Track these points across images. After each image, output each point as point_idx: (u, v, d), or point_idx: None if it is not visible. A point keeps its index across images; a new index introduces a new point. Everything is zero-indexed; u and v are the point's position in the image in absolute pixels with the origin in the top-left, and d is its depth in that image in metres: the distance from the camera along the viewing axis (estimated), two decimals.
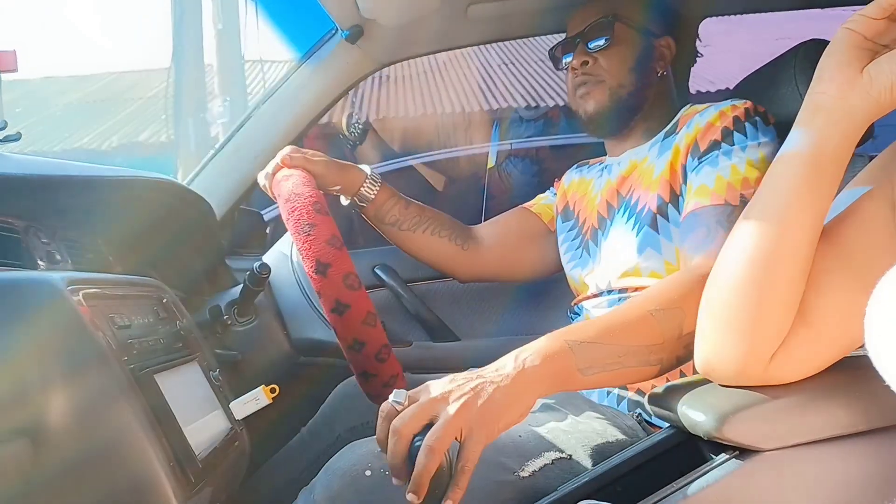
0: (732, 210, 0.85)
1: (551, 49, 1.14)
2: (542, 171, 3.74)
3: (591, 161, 1.23)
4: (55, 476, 0.62)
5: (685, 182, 0.95)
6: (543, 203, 1.24)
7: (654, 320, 0.73)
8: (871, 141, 0.98)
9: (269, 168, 1.00)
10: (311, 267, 0.84)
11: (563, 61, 1.12)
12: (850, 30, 0.57)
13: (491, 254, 1.19)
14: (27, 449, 0.60)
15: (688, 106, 1.06)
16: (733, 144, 0.91)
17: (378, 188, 1.10)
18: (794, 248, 0.59)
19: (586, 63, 1.07)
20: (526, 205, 1.26)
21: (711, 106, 0.98)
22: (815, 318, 0.61)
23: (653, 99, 1.07)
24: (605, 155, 1.16)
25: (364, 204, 1.11)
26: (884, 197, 0.60)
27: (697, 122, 0.96)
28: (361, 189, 1.09)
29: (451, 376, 0.67)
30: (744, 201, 0.85)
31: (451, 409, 0.62)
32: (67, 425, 0.62)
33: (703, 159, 0.92)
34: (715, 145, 0.92)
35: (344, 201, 1.12)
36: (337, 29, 1.40)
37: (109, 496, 0.64)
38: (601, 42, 1.06)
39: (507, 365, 0.67)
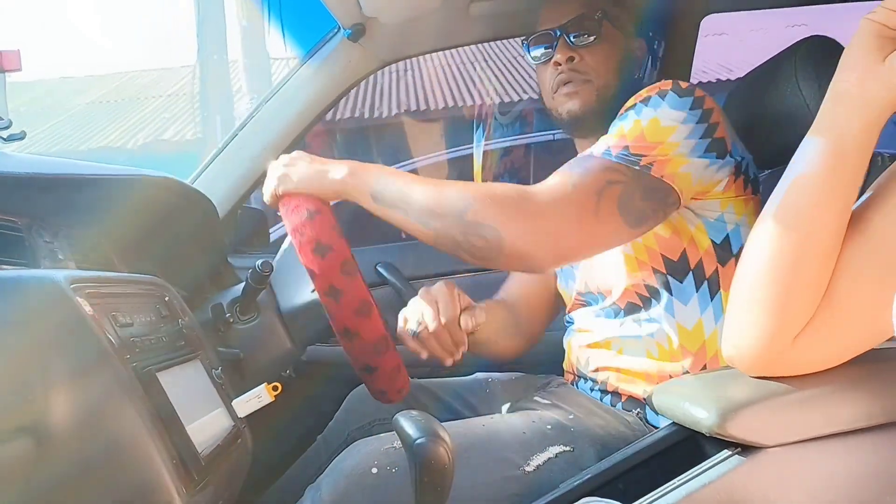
0: (591, 158, 0.85)
1: (524, 40, 1.09)
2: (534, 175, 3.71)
3: None
4: (58, 475, 0.62)
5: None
6: None
7: (447, 192, 0.82)
8: None
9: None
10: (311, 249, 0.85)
11: (538, 54, 1.06)
12: (871, 20, 0.58)
13: (529, 320, 1.15)
14: (30, 448, 0.60)
15: None
16: (632, 110, 0.90)
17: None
18: (820, 236, 0.60)
19: (572, 59, 1.02)
20: None
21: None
22: (839, 302, 0.61)
23: (628, 101, 1.03)
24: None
25: None
26: None
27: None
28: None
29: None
30: (606, 153, 0.85)
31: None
32: (70, 424, 0.62)
33: (617, 120, 0.92)
34: (620, 116, 0.92)
35: None
36: (339, 27, 1.40)
37: (112, 494, 0.64)
38: (587, 39, 1.02)
39: (326, 168, 0.87)
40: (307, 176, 0.87)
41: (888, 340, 0.62)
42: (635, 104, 0.90)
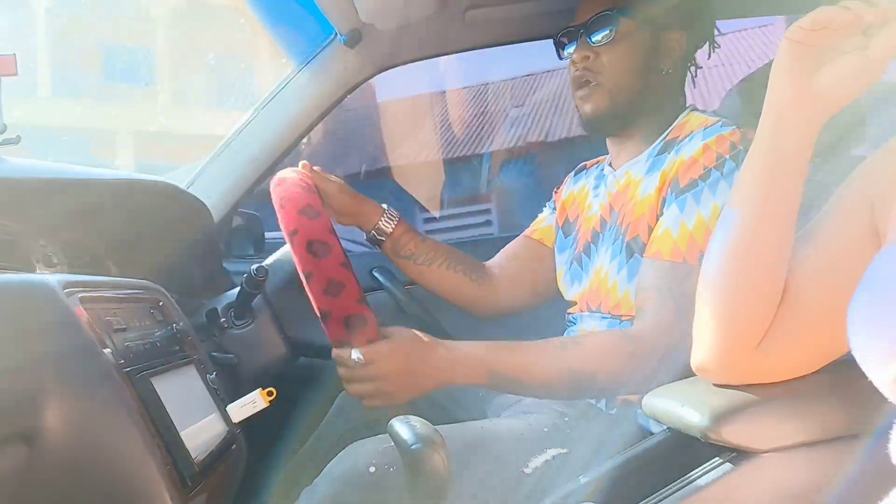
0: (689, 270, 0.84)
1: (555, 36, 1.10)
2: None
3: (589, 164, 1.20)
4: (50, 480, 0.61)
5: (660, 214, 0.93)
6: (544, 226, 1.21)
7: (566, 376, 0.86)
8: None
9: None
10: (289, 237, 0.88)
11: (565, 51, 1.07)
12: (793, 40, 0.61)
13: (505, 288, 1.19)
14: (22, 453, 0.60)
15: (688, 111, 1.03)
16: (706, 182, 0.89)
17: (395, 222, 1.14)
18: (763, 243, 0.63)
19: (587, 58, 1.01)
20: (527, 232, 1.24)
21: (701, 130, 0.93)
22: (801, 311, 0.63)
23: (655, 99, 1.02)
24: (606, 154, 1.13)
25: (382, 238, 1.14)
26: (864, 197, 0.62)
27: (685, 151, 0.93)
28: (380, 223, 1.13)
29: (403, 351, 0.87)
30: (702, 258, 0.83)
31: (376, 390, 0.87)
32: (63, 429, 0.61)
33: (678, 196, 0.90)
34: (692, 184, 0.89)
35: (365, 236, 1.16)
36: (335, 33, 1.40)
37: (106, 500, 0.64)
38: (603, 37, 1.00)
39: (439, 370, 0.88)
40: (413, 395, 0.90)
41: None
42: (708, 169, 0.89)
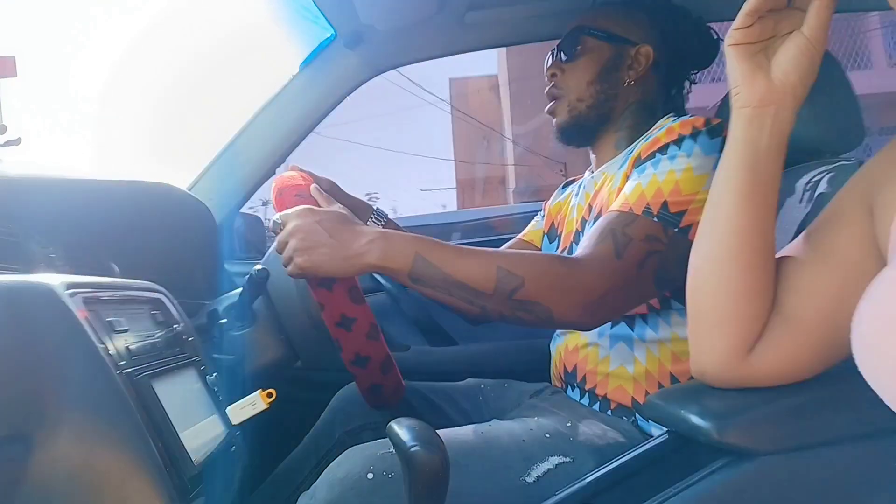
0: (634, 219, 0.85)
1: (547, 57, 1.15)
2: None
3: (577, 178, 1.22)
4: (49, 481, 0.61)
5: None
6: (535, 230, 1.25)
7: (494, 274, 0.80)
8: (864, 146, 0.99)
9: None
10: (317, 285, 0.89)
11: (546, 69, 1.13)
12: (733, 45, 0.62)
13: None
14: (22, 454, 0.60)
15: (668, 115, 1.03)
16: (664, 154, 0.89)
17: (383, 224, 1.14)
18: (746, 239, 0.63)
19: (555, 75, 1.08)
20: (520, 235, 1.27)
21: (671, 120, 0.95)
22: (795, 316, 0.63)
23: (622, 109, 1.06)
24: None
25: None
26: (862, 203, 0.61)
27: (653, 134, 0.95)
28: (368, 223, 1.12)
29: (314, 215, 0.85)
30: (647, 211, 0.85)
31: (292, 249, 0.84)
32: (63, 430, 0.61)
33: (638, 167, 0.92)
34: (651, 156, 0.91)
35: None
36: (335, 35, 1.40)
37: (105, 501, 0.64)
38: (569, 55, 1.07)
39: (354, 243, 0.82)
40: (335, 262, 0.83)
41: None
42: (667, 144, 0.90)
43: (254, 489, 1.12)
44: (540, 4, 1.34)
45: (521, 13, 1.36)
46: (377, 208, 1.16)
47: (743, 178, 0.63)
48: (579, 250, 0.86)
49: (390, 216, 1.20)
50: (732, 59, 0.62)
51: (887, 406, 0.50)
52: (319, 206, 0.94)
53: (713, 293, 0.65)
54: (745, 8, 0.60)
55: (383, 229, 0.86)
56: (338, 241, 0.83)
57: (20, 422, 0.60)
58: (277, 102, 1.48)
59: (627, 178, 0.94)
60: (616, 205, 0.89)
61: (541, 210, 1.27)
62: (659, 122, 1.03)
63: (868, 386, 0.51)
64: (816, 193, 0.97)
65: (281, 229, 0.87)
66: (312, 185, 1.01)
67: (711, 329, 0.65)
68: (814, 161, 1.04)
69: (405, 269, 0.81)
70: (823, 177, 0.98)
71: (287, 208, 0.90)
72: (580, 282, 0.81)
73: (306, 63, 1.46)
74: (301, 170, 1.07)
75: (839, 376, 0.64)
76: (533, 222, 1.27)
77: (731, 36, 0.62)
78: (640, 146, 0.95)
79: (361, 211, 1.14)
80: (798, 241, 0.66)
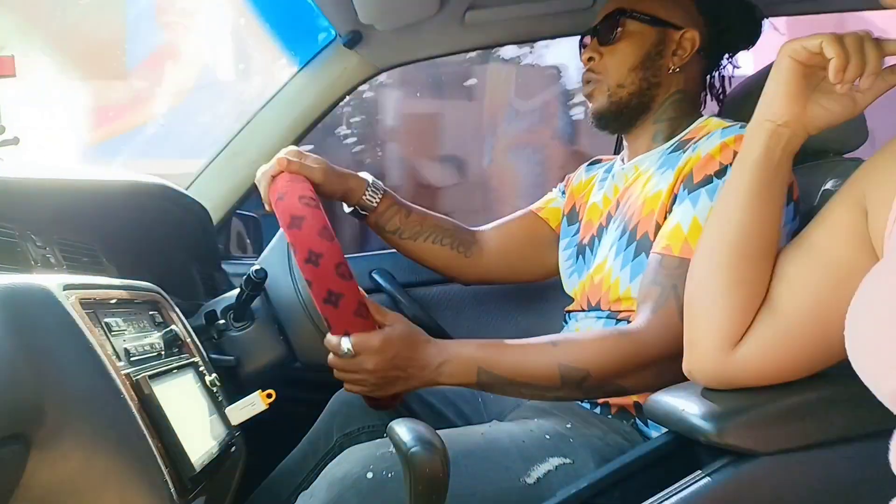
0: (683, 263, 0.82)
1: (580, 39, 1.11)
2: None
3: (605, 158, 1.19)
4: (48, 483, 0.61)
5: (670, 211, 0.91)
6: (552, 206, 1.20)
7: (557, 372, 0.83)
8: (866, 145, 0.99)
9: (269, 168, 0.95)
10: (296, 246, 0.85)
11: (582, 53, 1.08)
12: (792, 59, 0.61)
13: (495, 259, 1.18)
14: (20, 455, 0.59)
15: (705, 117, 1.02)
16: (722, 178, 0.86)
17: (380, 196, 1.09)
18: (747, 238, 0.66)
19: (592, 59, 1.03)
20: (534, 208, 1.22)
21: (720, 130, 0.91)
22: (783, 313, 0.64)
23: (664, 98, 1.02)
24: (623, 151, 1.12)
25: (366, 213, 1.10)
26: (856, 203, 0.62)
27: (702, 148, 0.91)
28: (363, 198, 1.08)
29: (389, 350, 0.84)
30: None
31: (371, 385, 0.87)
32: (62, 431, 0.61)
33: (691, 192, 0.88)
34: (706, 180, 0.87)
35: (346, 209, 1.11)
36: (335, 35, 1.40)
37: (105, 502, 0.64)
38: (608, 38, 1.02)
39: (425, 371, 0.86)
40: (406, 388, 0.88)
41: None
42: (726, 167, 0.86)
43: (253, 489, 1.11)
44: (540, 4, 1.34)
45: (521, 13, 1.36)
46: (373, 181, 1.09)
47: (751, 180, 0.66)
48: (639, 317, 0.85)
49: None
50: (785, 69, 0.62)
51: (886, 406, 0.50)
52: (376, 319, 0.88)
53: (709, 283, 0.66)
54: (831, 39, 0.58)
55: (446, 349, 0.87)
56: (411, 375, 0.86)
57: (19, 422, 0.60)
58: (277, 102, 1.47)
59: (674, 197, 0.91)
60: (675, 246, 0.86)
61: (559, 185, 1.22)
62: (701, 120, 1.00)
63: (865, 387, 0.51)
64: (820, 192, 0.96)
65: (345, 355, 0.86)
66: (370, 301, 0.90)
67: (699, 324, 0.67)
68: (818, 160, 1.04)
69: (472, 383, 0.86)
70: (828, 175, 0.98)
71: (293, 213, 0.84)
72: (650, 357, 0.82)
73: (306, 63, 1.46)
74: (290, 160, 0.96)
75: (838, 376, 0.64)
76: (550, 196, 1.22)
77: (798, 51, 0.61)
78: (688, 159, 0.91)
79: (356, 186, 1.07)
80: (795, 238, 0.67)
